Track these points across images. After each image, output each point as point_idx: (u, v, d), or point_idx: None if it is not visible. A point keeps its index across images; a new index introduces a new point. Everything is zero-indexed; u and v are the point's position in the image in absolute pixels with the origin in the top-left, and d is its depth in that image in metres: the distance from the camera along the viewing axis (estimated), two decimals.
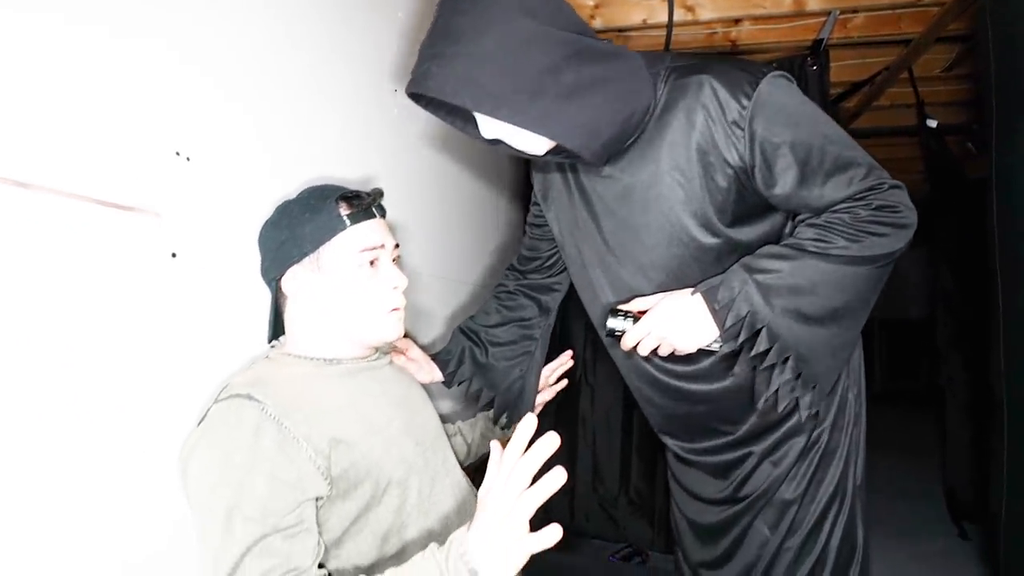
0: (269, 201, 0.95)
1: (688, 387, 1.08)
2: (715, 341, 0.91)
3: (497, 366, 1.25)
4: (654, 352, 0.94)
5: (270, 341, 0.94)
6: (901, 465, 3.43)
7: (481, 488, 0.67)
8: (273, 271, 0.88)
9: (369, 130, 1.30)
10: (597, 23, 2.23)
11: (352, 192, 0.89)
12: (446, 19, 0.80)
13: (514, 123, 0.80)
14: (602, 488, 2.41)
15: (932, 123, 2.65)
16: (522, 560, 0.63)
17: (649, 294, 1.00)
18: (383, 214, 0.93)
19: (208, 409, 0.78)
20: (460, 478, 0.99)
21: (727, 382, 1.05)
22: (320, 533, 0.77)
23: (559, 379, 1.29)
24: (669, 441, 1.24)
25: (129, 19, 0.74)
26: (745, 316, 0.87)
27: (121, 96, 0.73)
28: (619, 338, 0.95)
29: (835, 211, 0.88)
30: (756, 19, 2.29)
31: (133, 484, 0.75)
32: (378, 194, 0.90)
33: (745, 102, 0.85)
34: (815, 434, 1.06)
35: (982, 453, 2.36)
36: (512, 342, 1.26)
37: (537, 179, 1.17)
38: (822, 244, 0.86)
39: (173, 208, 0.80)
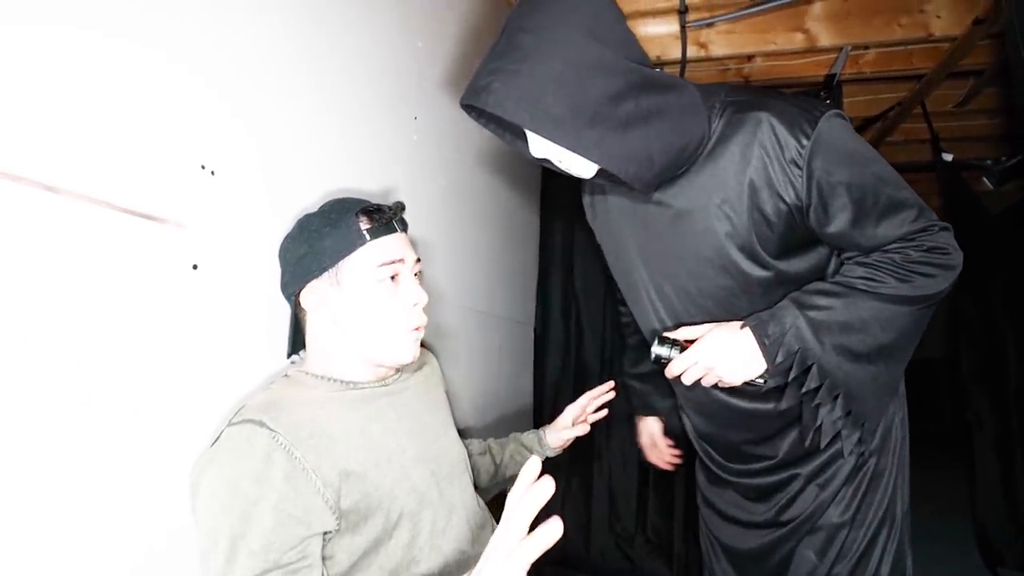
0: (290, 216, 0.96)
1: (732, 401, 1.07)
2: (761, 376, 0.91)
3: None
4: (697, 382, 0.94)
5: (289, 356, 0.93)
6: (927, 508, 3.30)
7: (490, 541, 0.61)
8: (292, 285, 0.87)
9: (391, 152, 1.31)
10: None
11: (373, 205, 0.88)
12: (512, 35, 0.79)
13: (570, 148, 0.79)
14: (618, 525, 2.34)
15: (948, 157, 2.66)
16: None
17: (697, 319, 1.01)
18: (404, 228, 0.92)
19: (221, 431, 0.76)
20: (478, 510, 0.95)
21: (771, 404, 1.04)
22: (325, 568, 0.74)
23: (598, 408, 1.22)
24: (707, 448, 1.20)
25: (162, 35, 0.76)
26: (796, 352, 0.88)
27: (151, 108, 0.75)
28: (664, 365, 0.95)
29: (886, 251, 0.90)
30: (768, 55, 2.33)
31: (147, 498, 0.73)
32: (399, 207, 0.89)
33: (804, 141, 0.86)
34: (863, 456, 1.03)
35: (1019, 492, 2.26)
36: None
37: (586, 199, 1.18)
38: (873, 283, 0.88)
39: (196, 220, 0.81)
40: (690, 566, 2.20)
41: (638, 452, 2.42)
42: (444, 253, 1.58)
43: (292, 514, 0.70)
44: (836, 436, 0.96)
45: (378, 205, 0.88)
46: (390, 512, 0.80)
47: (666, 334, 0.97)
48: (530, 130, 0.80)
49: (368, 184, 1.22)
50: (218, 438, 0.76)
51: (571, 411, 1.19)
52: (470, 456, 1.13)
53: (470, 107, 0.88)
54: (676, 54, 2.24)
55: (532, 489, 0.56)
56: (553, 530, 0.54)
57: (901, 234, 0.88)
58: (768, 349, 0.88)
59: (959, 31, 2.05)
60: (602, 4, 0.80)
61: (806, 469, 1.06)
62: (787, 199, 0.89)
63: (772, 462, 1.09)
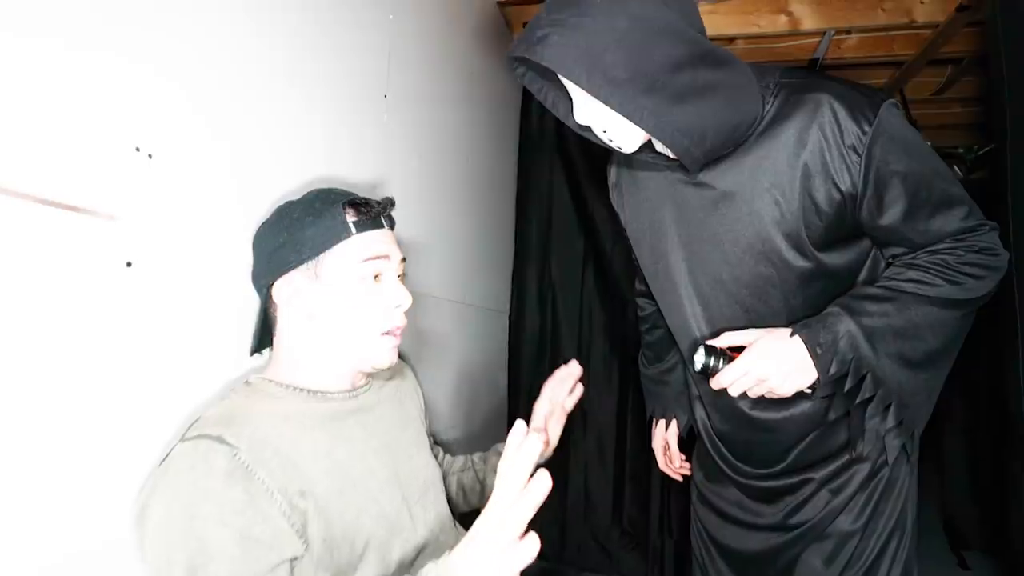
0: (239, 205, 0.86)
1: (752, 413, 1.02)
2: (811, 386, 0.87)
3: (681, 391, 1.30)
4: (744, 394, 0.89)
5: (252, 353, 0.85)
6: None
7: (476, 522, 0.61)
8: (266, 276, 0.80)
9: (359, 134, 1.21)
10: None
11: (361, 198, 0.82)
12: None
13: (625, 115, 0.75)
14: (594, 517, 2.31)
15: None
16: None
17: (727, 309, 0.97)
18: (392, 225, 0.86)
19: (172, 448, 0.68)
20: (454, 532, 0.89)
21: (793, 410, 1.00)
22: None
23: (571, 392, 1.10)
24: (719, 445, 1.14)
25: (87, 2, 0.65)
26: (851, 361, 0.84)
27: (74, 81, 0.64)
28: (711, 375, 0.90)
29: (936, 251, 0.87)
30: (751, 38, 2.27)
31: (78, 529, 0.64)
32: (389, 203, 0.84)
33: (866, 127, 0.82)
34: (878, 464, 0.99)
35: (983, 478, 2.31)
36: (677, 365, 1.30)
37: (612, 180, 1.14)
38: (923, 286, 0.86)
39: (130, 211, 0.71)
40: (666, 559, 2.19)
41: (615, 442, 2.41)
42: (417, 239, 1.49)
43: (260, 540, 0.63)
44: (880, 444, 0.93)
45: (366, 198, 0.82)
46: (355, 543, 0.73)
47: (710, 342, 0.92)
48: (585, 90, 0.74)
49: (335, 169, 1.12)
50: (168, 456, 0.68)
51: (540, 409, 1.08)
52: (450, 474, 1.06)
53: (518, 61, 0.84)
54: None
55: (520, 450, 0.56)
56: (544, 482, 0.55)
57: (952, 230, 0.86)
58: (820, 358, 0.84)
59: (942, 18, 2.03)
60: None
61: (820, 474, 1.02)
62: (841, 186, 0.85)
63: (784, 465, 1.05)
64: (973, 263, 0.86)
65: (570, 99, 0.86)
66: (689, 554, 1.31)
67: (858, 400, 0.87)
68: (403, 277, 0.86)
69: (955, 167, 3.29)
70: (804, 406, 0.99)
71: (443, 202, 1.68)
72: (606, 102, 0.74)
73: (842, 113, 0.83)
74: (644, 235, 1.08)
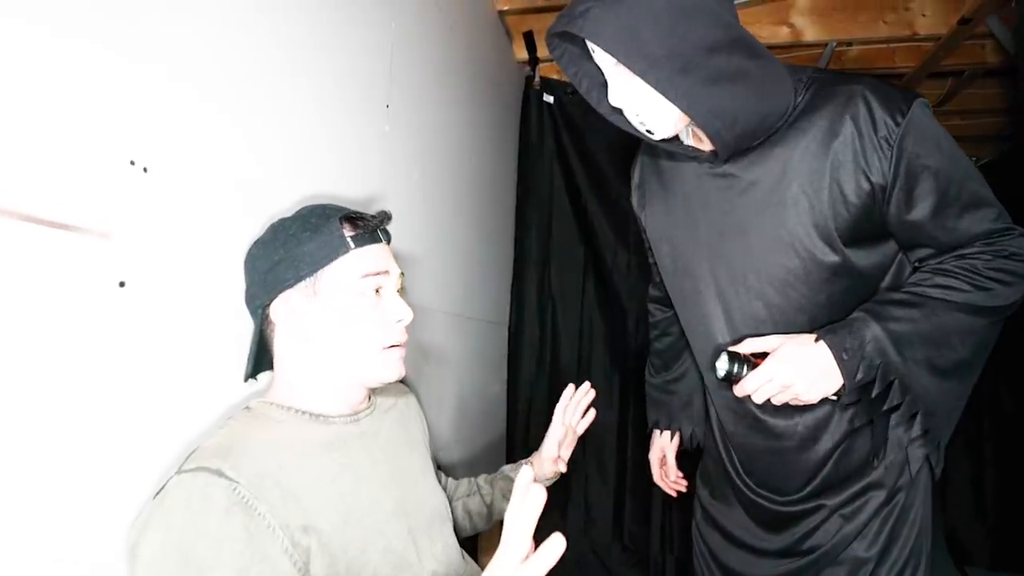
0: (242, 223, 0.83)
1: (764, 418, 1.00)
2: (837, 392, 0.86)
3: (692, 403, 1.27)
4: (768, 401, 0.88)
5: (247, 379, 0.81)
6: None
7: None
8: (262, 296, 0.77)
9: (361, 146, 1.18)
10: None
11: (356, 213, 0.79)
12: None
13: (660, 90, 0.77)
14: (594, 532, 2.27)
15: None
16: None
17: (748, 307, 0.96)
18: (388, 239, 0.84)
19: (168, 480, 0.64)
20: (463, 565, 0.86)
21: (807, 415, 0.97)
22: None
23: (585, 414, 1.08)
24: (729, 450, 1.11)
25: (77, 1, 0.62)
26: (878, 367, 0.83)
27: (65, 91, 0.61)
28: (734, 382, 0.88)
29: (963, 256, 0.86)
30: None
31: (75, 557, 0.61)
32: (385, 216, 0.82)
33: (900, 119, 0.82)
34: (894, 490, 0.97)
35: (987, 491, 2.29)
36: (685, 374, 1.28)
37: (636, 174, 1.14)
38: (951, 292, 0.84)
39: (124, 228, 0.67)
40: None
41: (615, 456, 2.38)
42: (417, 251, 1.47)
43: None
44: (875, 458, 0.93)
45: (361, 213, 0.80)
46: None
47: (733, 348, 0.90)
48: (623, 63, 0.76)
49: (336, 182, 1.09)
50: (164, 488, 0.64)
51: (553, 434, 1.06)
52: (455, 499, 1.03)
53: (558, 40, 0.87)
54: None
55: (526, 501, 0.55)
56: (556, 545, 0.53)
57: (981, 231, 0.85)
58: (847, 364, 0.83)
59: (944, 30, 2.03)
60: None
61: (833, 500, 1.00)
62: (872, 178, 0.85)
63: (803, 492, 1.02)
64: (1002, 269, 0.84)
65: (604, 85, 0.86)
66: (691, 572, 1.27)
67: (885, 407, 0.85)
68: (402, 291, 0.83)
69: None
70: (818, 412, 0.97)
71: (444, 212, 1.65)
72: (642, 75, 0.76)
73: (875, 104, 0.83)
74: (667, 233, 1.07)
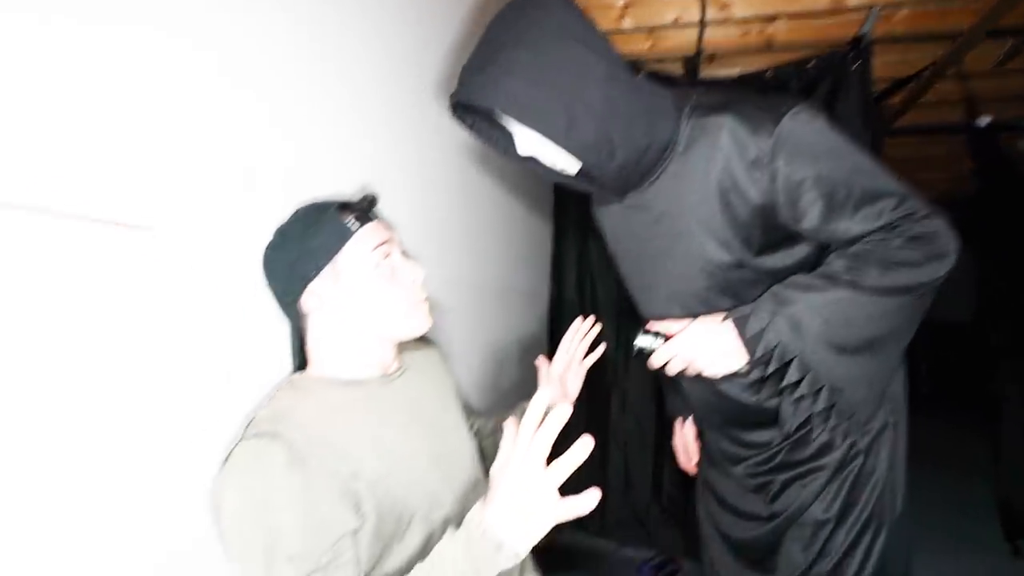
0: (284, 212, 0.91)
1: (720, 388, 1.08)
2: (742, 368, 0.93)
3: None
4: (681, 373, 0.96)
5: (295, 371, 0.92)
6: (946, 477, 3.28)
7: (494, 465, 0.68)
8: (291, 293, 0.86)
9: (400, 136, 1.29)
10: (627, 22, 2.21)
11: (346, 202, 0.89)
12: (487, 35, 0.84)
13: (538, 131, 0.82)
14: (633, 494, 2.37)
15: (983, 122, 2.54)
16: (547, 526, 0.65)
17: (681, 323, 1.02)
18: (376, 217, 0.93)
19: (233, 448, 0.76)
20: None
21: (753, 396, 1.05)
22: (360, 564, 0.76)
23: (590, 350, 1.14)
24: (703, 426, 1.22)
25: (108, 10, 0.66)
26: (775, 347, 0.88)
27: (108, 92, 0.66)
28: (648, 356, 0.98)
29: (867, 241, 0.88)
30: (792, 16, 2.22)
31: (175, 527, 0.75)
32: (371, 200, 0.91)
33: (766, 140, 0.85)
34: (849, 456, 1.02)
35: None
36: None
37: (593, 211, 1.19)
38: (854, 274, 0.86)
39: (166, 223, 0.74)
40: None
41: (655, 422, 2.46)
42: (458, 231, 1.58)
43: (322, 520, 0.72)
44: (806, 422, 0.99)
45: (350, 201, 0.90)
46: (401, 516, 0.81)
47: (649, 326, 0.99)
48: (501, 111, 0.81)
49: (385, 169, 1.20)
50: (230, 455, 0.76)
51: (556, 365, 1.13)
52: (485, 438, 1.14)
53: (461, 117, 0.95)
54: (695, 16, 2.16)
55: (552, 414, 0.63)
56: (585, 445, 0.61)
57: (880, 224, 0.87)
58: (749, 343, 0.89)
59: None
60: (575, 14, 0.83)
61: (789, 465, 1.07)
62: (754, 200, 0.89)
63: (763, 455, 1.09)
64: (906, 249, 0.85)
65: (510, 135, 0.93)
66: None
67: (784, 383, 0.90)
68: (405, 253, 0.93)
69: (1021, 142, 3.12)
70: (739, 380, 1.04)
71: (491, 194, 1.75)
72: (521, 121, 0.81)
73: (741, 133, 0.87)
74: (618, 258, 1.16)
